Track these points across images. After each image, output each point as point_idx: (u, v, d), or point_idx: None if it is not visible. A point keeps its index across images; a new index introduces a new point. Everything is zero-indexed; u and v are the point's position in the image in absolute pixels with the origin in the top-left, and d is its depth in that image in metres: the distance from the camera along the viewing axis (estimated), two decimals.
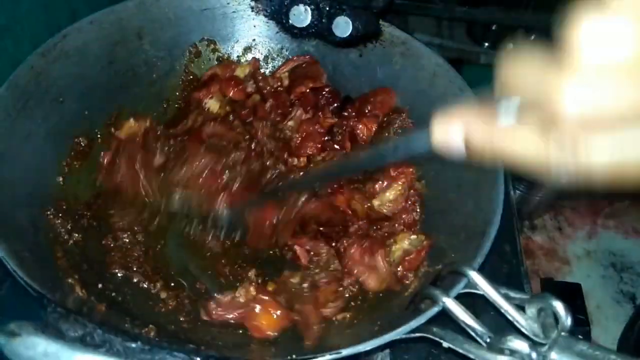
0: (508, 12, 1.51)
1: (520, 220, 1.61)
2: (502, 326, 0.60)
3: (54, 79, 0.83)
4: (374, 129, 0.95)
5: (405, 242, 0.82)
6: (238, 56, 1.04)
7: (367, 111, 0.95)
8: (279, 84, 1.01)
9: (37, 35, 0.93)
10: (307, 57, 1.02)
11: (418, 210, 0.87)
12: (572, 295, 1.16)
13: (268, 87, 1.00)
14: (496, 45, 1.69)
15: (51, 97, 0.82)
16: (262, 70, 1.04)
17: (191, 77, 1.01)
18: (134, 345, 0.53)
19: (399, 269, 0.80)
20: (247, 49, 1.04)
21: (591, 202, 1.68)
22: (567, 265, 1.53)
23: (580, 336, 0.58)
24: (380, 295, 0.79)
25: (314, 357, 0.57)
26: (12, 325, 0.48)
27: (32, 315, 0.61)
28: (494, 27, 1.66)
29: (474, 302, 0.64)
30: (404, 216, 0.86)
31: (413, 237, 0.82)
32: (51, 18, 0.98)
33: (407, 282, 0.79)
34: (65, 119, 0.84)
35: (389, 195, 0.88)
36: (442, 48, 1.62)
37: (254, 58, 1.04)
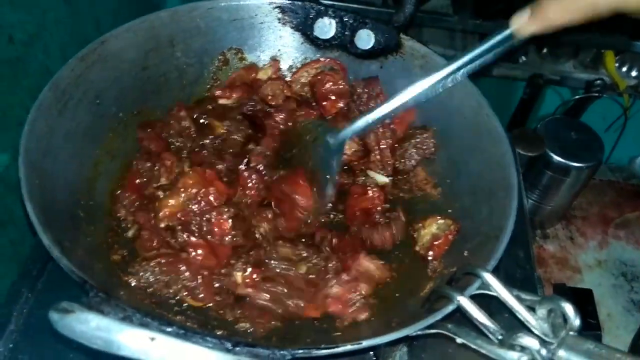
0: None
1: (532, 229, 1.63)
2: (514, 327, 0.63)
3: (92, 82, 0.87)
4: (389, 142, 0.97)
5: (433, 227, 0.85)
6: (264, 65, 1.08)
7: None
8: (304, 89, 1.05)
9: (64, 42, 0.98)
10: (331, 60, 1.05)
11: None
12: (584, 300, 1.18)
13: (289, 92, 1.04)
14: (508, 57, 1.72)
15: (89, 99, 0.87)
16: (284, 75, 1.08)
17: (218, 83, 1.06)
18: (169, 329, 0.55)
19: (429, 253, 0.83)
20: (273, 58, 1.08)
21: (602, 212, 1.70)
22: (578, 274, 1.55)
23: None
24: (397, 295, 0.82)
25: (335, 347, 0.60)
26: (65, 303, 0.51)
27: None
28: None
29: (489, 305, 0.67)
30: None
31: (441, 221, 0.85)
32: (77, 27, 1.03)
33: (434, 267, 0.83)
34: (101, 120, 0.89)
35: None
36: None
37: (273, 59, 1.07)
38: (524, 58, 1.74)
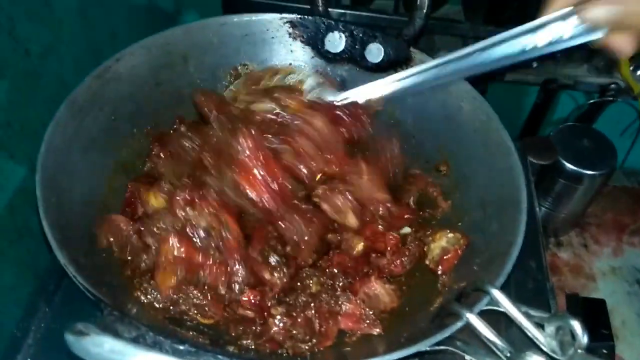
0: None
1: (546, 236, 1.62)
2: (526, 343, 0.64)
3: (108, 99, 0.89)
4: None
5: (443, 240, 0.85)
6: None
7: None
8: None
9: (79, 55, 0.99)
10: None
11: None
12: (596, 311, 1.18)
13: None
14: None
15: (105, 116, 0.88)
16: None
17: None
18: (182, 347, 0.56)
19: (439, 268, 0.84)
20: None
21: (616, 219, 1.69)
22: (592, 281, 1.54)
23: (604, 350, 0.61)
24: (407, 309, 0.82)
25: None
26: (80, 325, 0.53)
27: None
28: None
29: (499, 319, 0.67)
30: None
31: (450, 235, 0.85)
32: (92, 39, 1.04)
33: (444, 282, 0.83)
34: (116, 136, 0.91)
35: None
36: None
37: None
38: (535, 63, 1.73)
